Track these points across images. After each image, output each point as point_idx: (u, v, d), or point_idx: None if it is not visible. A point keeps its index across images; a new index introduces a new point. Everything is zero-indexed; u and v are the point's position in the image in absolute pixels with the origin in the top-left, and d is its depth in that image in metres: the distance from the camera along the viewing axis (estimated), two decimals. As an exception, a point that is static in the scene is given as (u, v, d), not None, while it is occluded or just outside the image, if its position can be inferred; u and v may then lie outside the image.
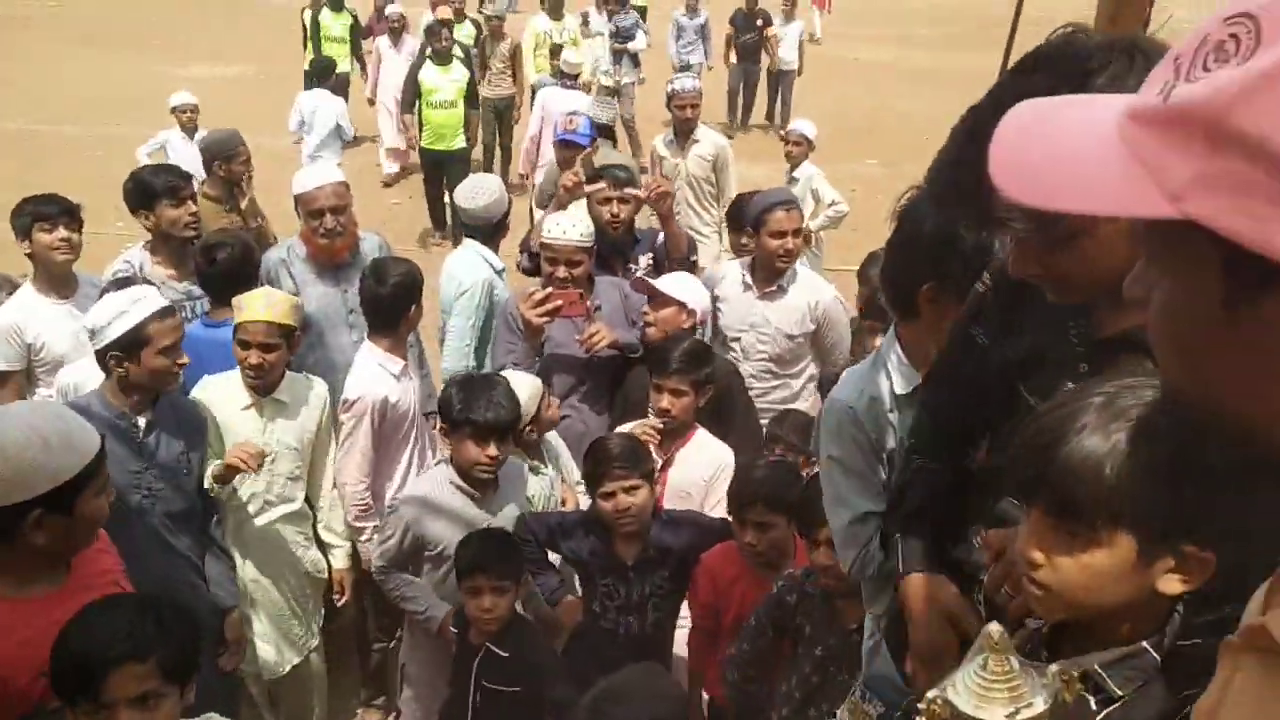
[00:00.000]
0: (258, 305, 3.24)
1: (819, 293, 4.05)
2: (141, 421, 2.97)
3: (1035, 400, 1.44)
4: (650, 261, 4.31)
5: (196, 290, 3.89)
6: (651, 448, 3.28)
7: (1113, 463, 1.12)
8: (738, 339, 4.03)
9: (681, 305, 3.68)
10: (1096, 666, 1.19)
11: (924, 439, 1.80)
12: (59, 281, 3.81)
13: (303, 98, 8.98)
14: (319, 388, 3.49)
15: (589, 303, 3.71)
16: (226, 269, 3.65)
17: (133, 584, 2.30)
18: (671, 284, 3.76)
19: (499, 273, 4.17)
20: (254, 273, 3.76)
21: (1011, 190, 0.74)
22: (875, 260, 3.22)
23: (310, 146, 8.65)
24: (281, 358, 3.29)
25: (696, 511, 3.25)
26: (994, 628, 1.12)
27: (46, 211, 3.85)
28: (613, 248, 4.21)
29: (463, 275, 4.11)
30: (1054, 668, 1.13)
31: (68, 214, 3.89)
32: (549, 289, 3.64)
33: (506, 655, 2.94)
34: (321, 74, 9.48)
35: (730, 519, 2.99)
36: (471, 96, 8.81)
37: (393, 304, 3.52)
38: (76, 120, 12.50)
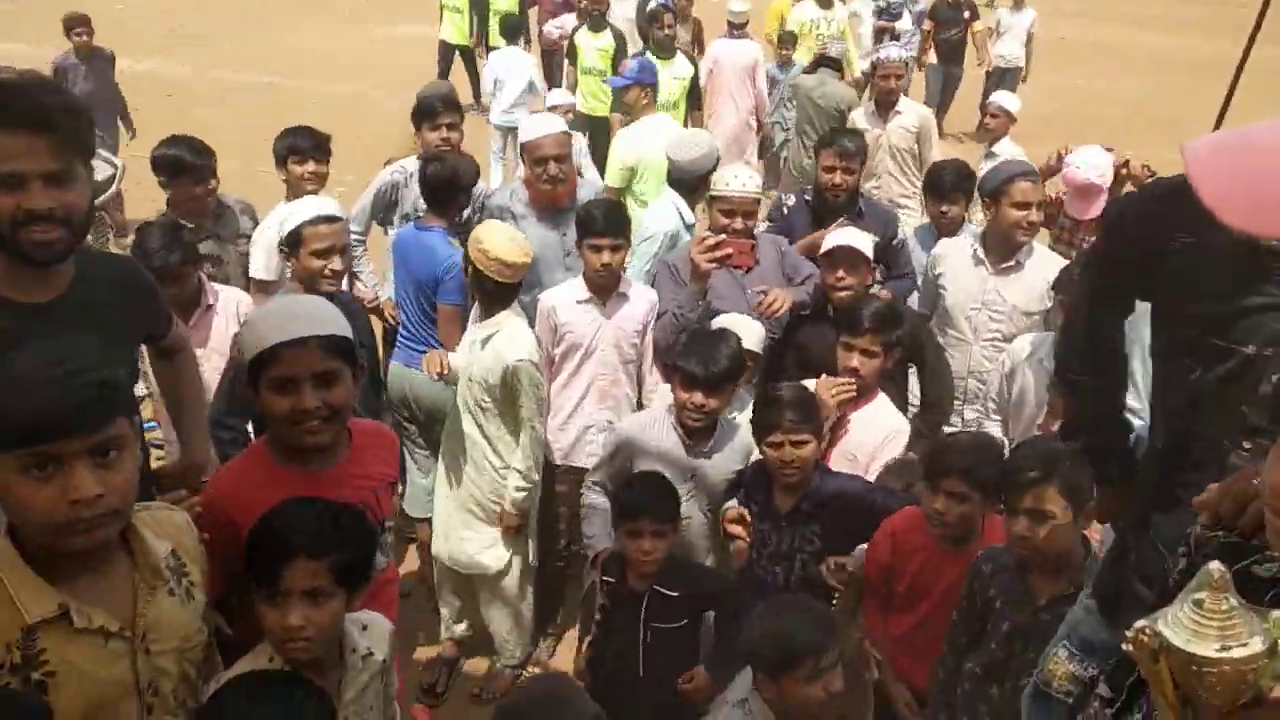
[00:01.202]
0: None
1: (1057, 267, 3.85)
2: None
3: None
4: (875, 241, 4.31)
5: None
6: (833, 405, 3.30)
7: None
8: (968, 317, 3.94)
9: (869, 261, 3.70)
10: None
11: None
12: None
13: (495, 57, 8.97)
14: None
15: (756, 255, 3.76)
16: (433, 182, 4.10)
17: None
18: (852, 238, 3.74)
19: (689, 227, 4.29)
20: (459, 189, 4.16)
21: (1234, 218, 0.74)
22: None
23: (504, 103, 8.61)
24: None
25: (860, 476, 3.24)
26: (1215, 566, 1.12)
27: (300, 145, 4.33)
28: (831, 212, 4.26)
29: (651, 222, 4.31)
30: (1276, 613, 1.12)
31: (318, 148, 4.34)
32: (721, 236, 3.68)
33: (676, 595, 3.02)
34: (512, 32, 9.39)
35: (924, 484, 2.94)
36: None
37: None
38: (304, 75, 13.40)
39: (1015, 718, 2.50)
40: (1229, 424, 1.73)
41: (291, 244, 3.29)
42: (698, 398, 3.16)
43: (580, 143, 6.05)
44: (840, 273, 3.70)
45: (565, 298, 3.80)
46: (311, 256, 3.25)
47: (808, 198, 4.51)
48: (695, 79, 7.54)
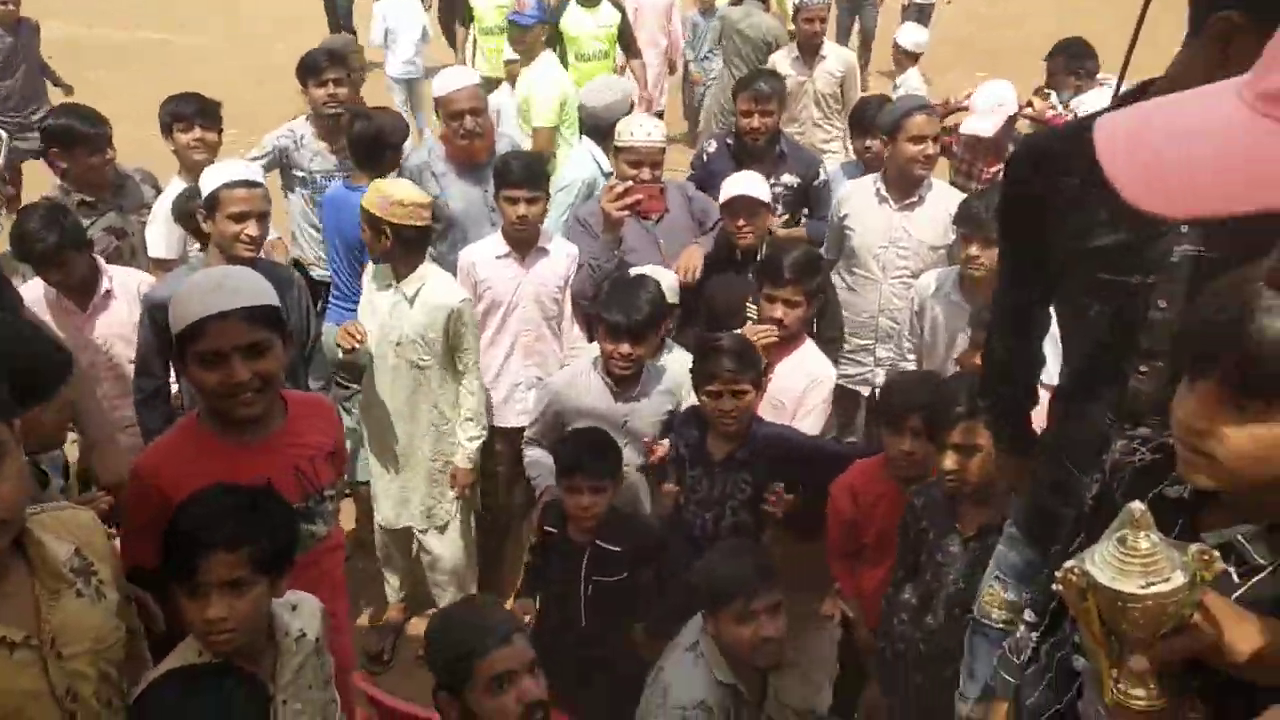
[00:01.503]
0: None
1: (956, 200, 3.90)
2: None
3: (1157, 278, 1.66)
4: (797, 183, 4.33)
5: (349, 162, 4.22)
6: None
7: None
8: (876, 256, 3.96)
9: (768, 206, 3.74)
10: (1239, 537, 1.21)
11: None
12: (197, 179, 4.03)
13: (382, 8, 8.28)
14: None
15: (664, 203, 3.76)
16: (358, 140, 4.03)
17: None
18: (748, 185, 3.75)
19: (606, 175, 4.23)
20: (386, 145, 4.07)
21: (1154, 205, 0.74)
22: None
23: (401, 55, 8.14)
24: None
25: (791, 426, 3.26)
26: (1136, 505, 1.16)
27: (183, 111, 4.11)
28: (751, 156, 4.25)
29: (567, 171, 4.28)
30: (1194, 547, 1.16)
31: (203, 114, 4.12)
32: (628, 183, 3.67)
33: (618, 549, 3.04)
34: None
35: (882, 430, 3.00)
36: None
37: None
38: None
39: (950, 645, 2.58)
40: (1127, 351, 1.81)
41: (209, 207, 3.18)
42: (624, 347, 3.16)
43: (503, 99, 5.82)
44: (741, 220, 3.72)
45: (484, 253, 3.76)
46: (229, 220, 3.13)
47: (729, 141, 4.49)
48: (624, 24, 7.07)
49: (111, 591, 1.79)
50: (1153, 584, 1.14)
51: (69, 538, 1.74)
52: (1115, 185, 0.77)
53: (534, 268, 3.75)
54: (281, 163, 4.50)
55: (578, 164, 4.33)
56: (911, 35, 6.63)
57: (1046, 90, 5.53)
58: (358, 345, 3.43)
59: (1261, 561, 1.21)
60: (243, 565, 1.84)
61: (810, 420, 3.32)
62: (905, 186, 3.94)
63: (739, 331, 3.39)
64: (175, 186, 3.99)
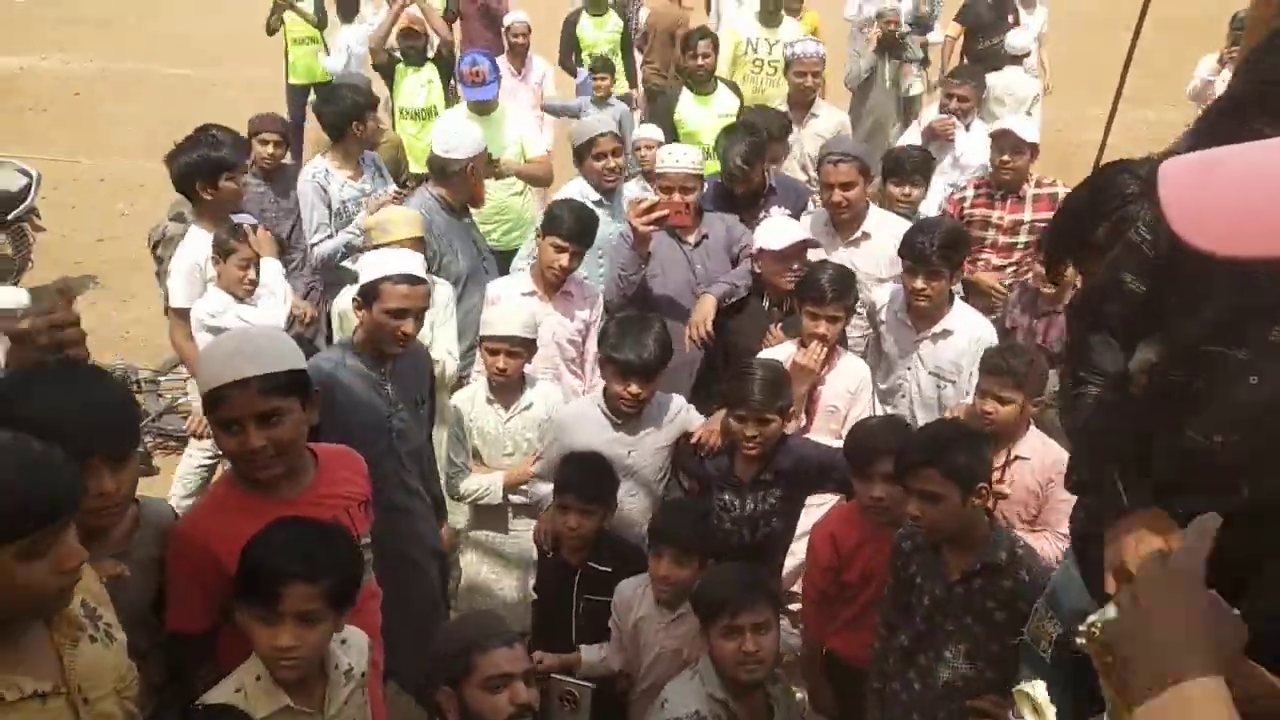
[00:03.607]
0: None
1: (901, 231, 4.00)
2: (386, 372, 3.14)
3: (1244, 354, 1.64)
4: (788, 214, 4.45)
5: (369, 187, 4.76)
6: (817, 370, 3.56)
7: None
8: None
9: (804, 246, 3.92)
10: None
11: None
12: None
13: (345, 33, 8.34)
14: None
15: (697, 225, 4.04)
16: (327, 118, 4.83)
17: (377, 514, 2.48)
18: (785, 233, 3.92)
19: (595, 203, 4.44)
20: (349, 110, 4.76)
21: (1203, 241, 0.74)
22: None
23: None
24: None
25: (813, 440, 3.44)
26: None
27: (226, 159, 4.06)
28: (743, 198, 4.40)
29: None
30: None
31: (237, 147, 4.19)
32: (656, 199, 3.92)
33: (609, 570, 3.11)
34: (348, 12, 8.55)
35: (852, 479, 3.06)
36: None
37: None
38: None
39: (939, 686, 2.65)
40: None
41: (366, 296, 3.08)
42: (633, 388, 3.23)
43: None
44: (795, 265, 3.90)
45: (511, 289, 3.95)
46: (386, 315, 3.04)
47: (719, 180, 4.58)
48: (626, 32, 7.76)
49: (119, 633, 1.87)
50: None
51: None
52: (1168, 218, 0.77)
53: (559, 308, 3.94)
54: (326, 202, 4.78)
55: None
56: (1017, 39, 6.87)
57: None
58: None
59: None
60: (319, 598, 1.95)
61: (866, 413, 3.62)
62: (841, 226, 4.15)
63: (786, 348, 3.63)
64: (196, 236, 4.05)
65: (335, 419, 2.92)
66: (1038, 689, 1.25)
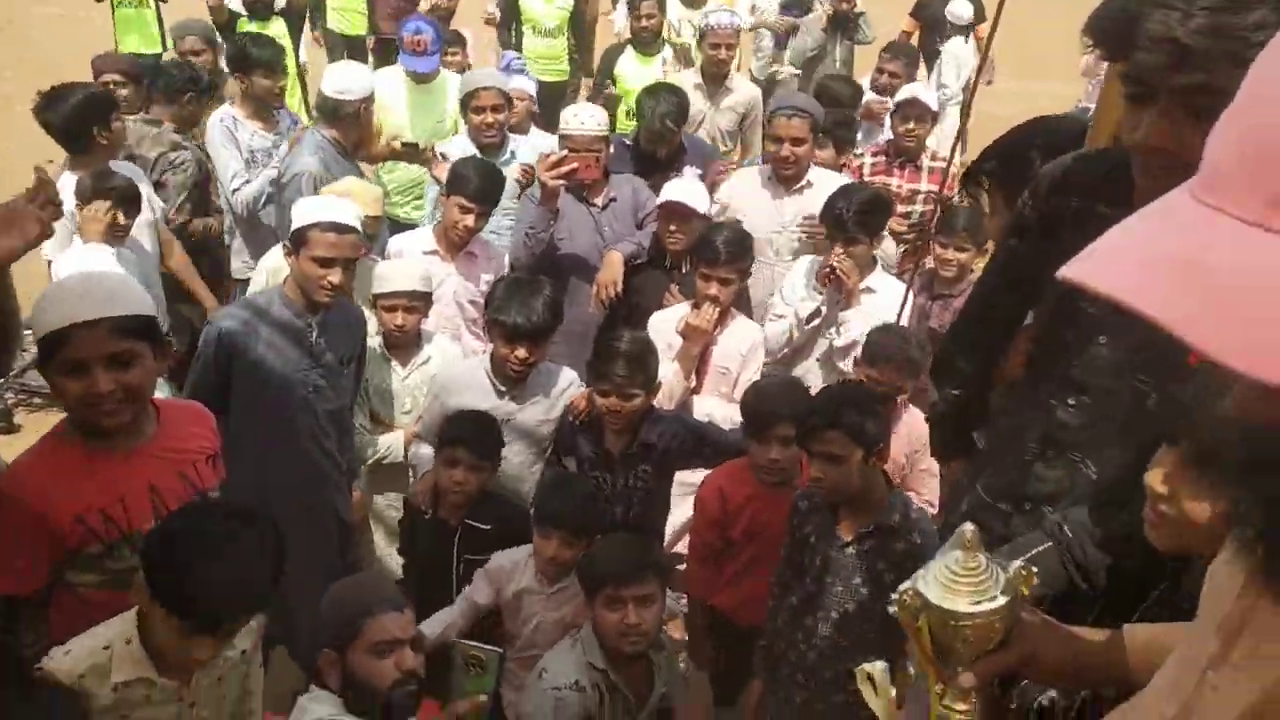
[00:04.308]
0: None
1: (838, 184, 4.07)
2: (314, 323, 3.07)
3: (1094, 310, 1.66)
4: (699, 176, 4.40)
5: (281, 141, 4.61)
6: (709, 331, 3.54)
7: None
8: (770, 240, 4.10)
9: (703, 217, 3.89)
10: None
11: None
12: None
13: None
14: None
15: (604, 187, 4.05)
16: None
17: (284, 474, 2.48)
18: (684, 193, 3.88)
19: None
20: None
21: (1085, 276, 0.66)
22: None
23: None
24: None
25: (681, 415, 3.42)
26: (968, 527, 1.22)
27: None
28: (654, 159, 4.39)
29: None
30: (1015, 564, 1.23)
31: None
32: (564, 152, 3.89)
33: (488, 529, 3.09)
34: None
35: (746, 437, 3.08)
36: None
37: None
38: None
39: (825, 647, 2.68)
40: (1063, 381, 1.82)
41: (295, 241, 3.03)
42: (520, 352, 3.17)
43: None
44: (673, 226, 3.86)
45: (413, 246, 3.91)
46: (312, 263, 2.99)
47: (627, 143, 4.60)
48: (578, 6, 7.46)
49: None
50: (980, 602, 1.21)
51: None
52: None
53: (460, 268, 3.90)
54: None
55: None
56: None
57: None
58: None
59: None
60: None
61: (755, 378, 3.60)
62: (786, 177, 4.15)
63: (678, 310, 3.67)
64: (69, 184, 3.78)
65: (249, 367, 2.96)
66: (877, 667, 1.30)
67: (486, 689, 1.74)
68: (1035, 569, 1.23)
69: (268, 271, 3.81)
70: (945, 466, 2.47)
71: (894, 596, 1.25)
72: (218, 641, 1.92)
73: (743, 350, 3.67)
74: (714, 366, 3.66)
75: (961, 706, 1.25)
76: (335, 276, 2.98)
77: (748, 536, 3.06)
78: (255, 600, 1.94)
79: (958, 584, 1.21)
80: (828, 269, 3.63)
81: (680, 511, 3.45)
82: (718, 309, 3.53)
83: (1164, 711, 0.95)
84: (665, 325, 3.66)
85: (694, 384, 3.66)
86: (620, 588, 2.56)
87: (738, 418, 3.46)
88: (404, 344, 3.58)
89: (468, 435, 3.06)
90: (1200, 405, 1.28)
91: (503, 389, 3.28)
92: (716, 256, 3.52)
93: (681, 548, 3.49)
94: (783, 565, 2.85)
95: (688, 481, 3.40)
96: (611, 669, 2.61)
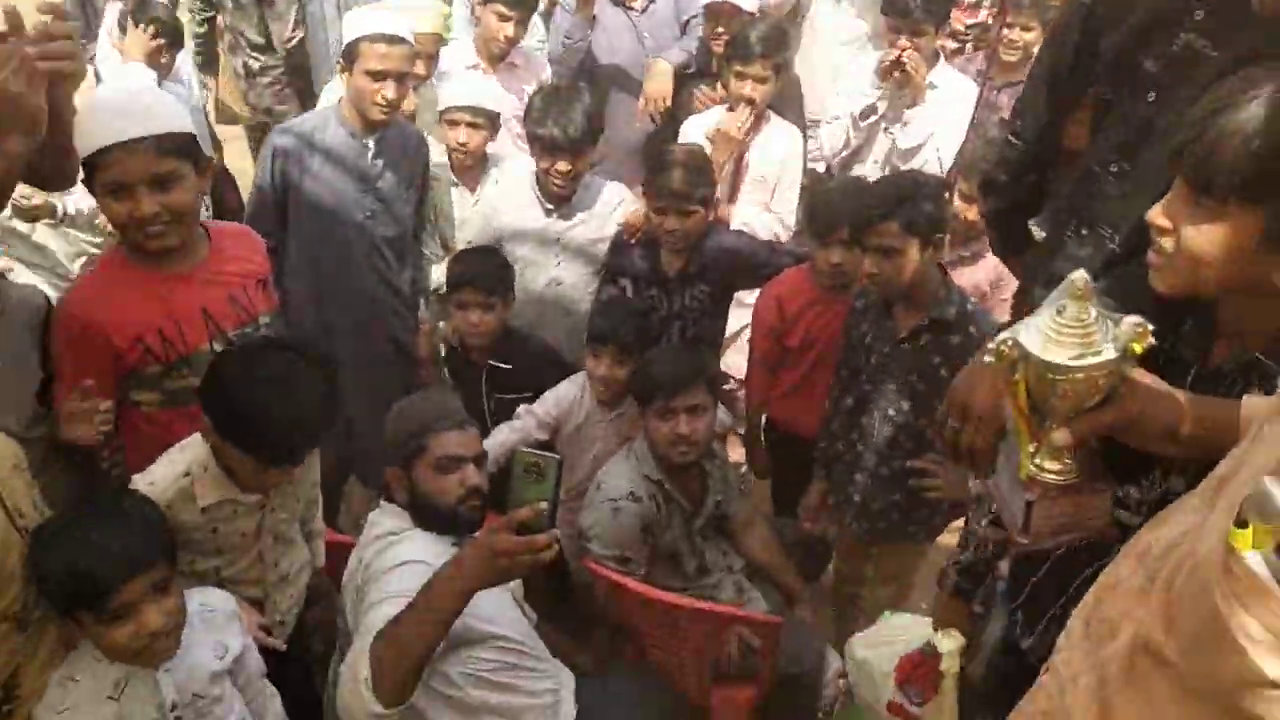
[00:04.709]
0: None
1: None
2: (370, 144, 2.99)
3: (1150, 65, 1.56)
4: None
5: None
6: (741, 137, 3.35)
7: (1261, 138, 1.09)
8: None
9: (752, 15, 3.67)
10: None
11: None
12: None
13: None
14: None
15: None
16: None
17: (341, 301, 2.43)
18: None
19: None
20: None
21: None
22: None
23: None
24: None
25: (742, 231, 3.27)
26: (1079, 274, 1.14)
27: None
28: None
29: None
30: (1132, 318, 1.16)
31: None
32: None
33: (511, 368, 3.06)
34: None
35: (809, 246, 3.00)
36: None
37: None
38: None
39: (882, 445, 2.67)
40: (1106, 147, 1.78)
41: (347, 56, 2.94)
42: (562, 164, 3.06)
43: None
44: (720, 28, 3.69)
45: (454, 62, 3.72)
46: (366, 77, 2.89)
47: None
48: None
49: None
50: (1085, 356, 1.15)
51: None
52: None
53: (502, 81, 3.70)
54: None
55: None
56: None
57: None
58: None
59: None
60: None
61: (792, 190, 3.46)
62: None
63: (712, 114, 3.44)
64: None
65: (303, 187, 2.91)
66: (946, 644, 1.26)
67: (546, 495, 1.74)
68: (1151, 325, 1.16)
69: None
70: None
71: (989, 346, 1.19)
72: (289, 470, 2.00)
73: (779, 156, 3.47)
74: (750, 175, 3.47)
75: (1054, 465, 1.21)
76: (390, 91, 2.88)
77: (805, 345, 3.01)
78: (318, 434, 1.98)
79: (1062, 336, 1.15)
80: (890, 61, 3.44)
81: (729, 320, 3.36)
82: (753, 112, 3.35)
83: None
84: (699, 132, 3.49)
85: (730, 193, 3.48)
86: (671, 398, 2.56)
87: (777, 228, 3.40)
88: (470, 167, 3.45)
89: (472, 274, 2.99)
90: (1203, 123, 1.16)
91: (550, 206, 3.18)
92: (751, 52, 3.30)
93: (728, 357, 3.47)
94: (840, 367, 2.84)
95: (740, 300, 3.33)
96: (666, 479, 2.63)
